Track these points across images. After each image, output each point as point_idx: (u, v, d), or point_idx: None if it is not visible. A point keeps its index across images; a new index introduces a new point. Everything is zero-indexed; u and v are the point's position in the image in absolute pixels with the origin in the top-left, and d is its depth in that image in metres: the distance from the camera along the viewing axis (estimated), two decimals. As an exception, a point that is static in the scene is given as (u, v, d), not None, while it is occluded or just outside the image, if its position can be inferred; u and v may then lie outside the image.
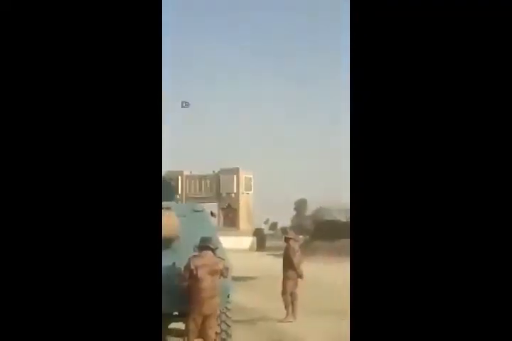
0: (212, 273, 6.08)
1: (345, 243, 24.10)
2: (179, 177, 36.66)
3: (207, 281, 6.02)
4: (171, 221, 6.14)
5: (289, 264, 9.44)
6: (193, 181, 38.48)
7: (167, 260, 5.65)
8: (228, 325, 6.56)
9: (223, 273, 6.18)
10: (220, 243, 6.61)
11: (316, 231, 29.06)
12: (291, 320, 9.16)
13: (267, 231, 37.88)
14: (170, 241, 6.17)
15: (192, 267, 6.02)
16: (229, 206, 37.54)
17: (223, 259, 6.28)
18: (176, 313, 6.50)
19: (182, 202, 25.12)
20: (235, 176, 37.49)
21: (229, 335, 6.57)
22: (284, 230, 22.22)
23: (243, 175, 37.79)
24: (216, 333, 6.34)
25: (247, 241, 32.41)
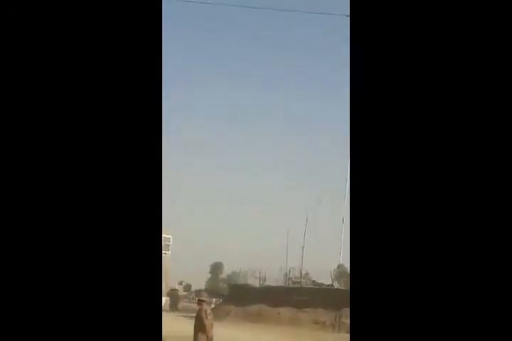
0: None
1: (258, 308, 24.32)
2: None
3: None
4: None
5: (200, 327, 9.75)
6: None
7: None
8: None
9: None
10: None
11: (230, 294, 29.09)
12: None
13: (181, 292, 37.38)
14: None
15: None
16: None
17: None
18: None
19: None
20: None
21: None
22: (198, 292, 22.29)
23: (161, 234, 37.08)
24: None
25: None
